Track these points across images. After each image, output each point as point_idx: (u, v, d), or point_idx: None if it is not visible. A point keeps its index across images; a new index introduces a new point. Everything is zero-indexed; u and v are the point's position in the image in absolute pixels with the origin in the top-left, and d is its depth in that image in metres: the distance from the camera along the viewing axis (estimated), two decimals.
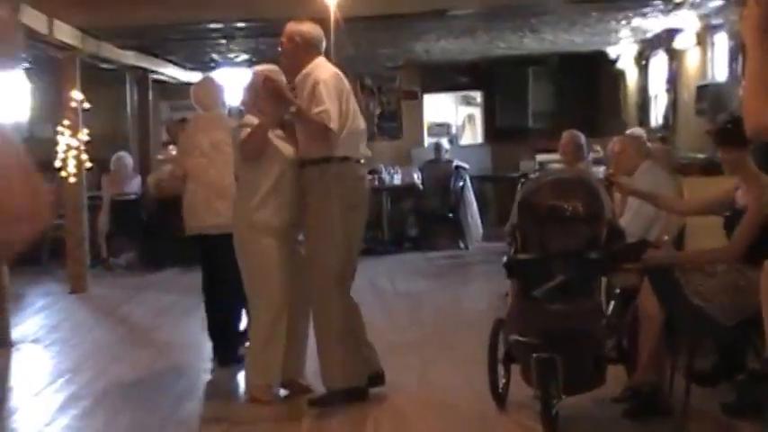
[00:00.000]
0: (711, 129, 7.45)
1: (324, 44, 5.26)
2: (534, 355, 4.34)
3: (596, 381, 4.58)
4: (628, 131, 9.14)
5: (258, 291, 5.19)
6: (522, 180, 9.21)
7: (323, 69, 5.10)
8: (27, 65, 9.91)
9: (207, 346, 6.61)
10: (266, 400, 5.20)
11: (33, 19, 7.97)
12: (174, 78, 12.71)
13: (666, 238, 5.72)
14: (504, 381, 4.91)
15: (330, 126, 4.90)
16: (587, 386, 4.57)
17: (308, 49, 5.15)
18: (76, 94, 9.37)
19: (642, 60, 12.31)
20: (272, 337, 5.15)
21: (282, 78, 5.21)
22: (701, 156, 8.60)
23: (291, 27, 5.23)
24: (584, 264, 4.53)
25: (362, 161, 5.21)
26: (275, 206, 5.13)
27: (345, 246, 5.11)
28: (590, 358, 4.53)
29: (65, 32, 8.79)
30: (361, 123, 5.21)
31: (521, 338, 4.53)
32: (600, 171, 7.83)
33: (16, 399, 5.77)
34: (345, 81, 5.16)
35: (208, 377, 6.07)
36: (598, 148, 9.64)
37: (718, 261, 4.60)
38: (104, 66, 10.48)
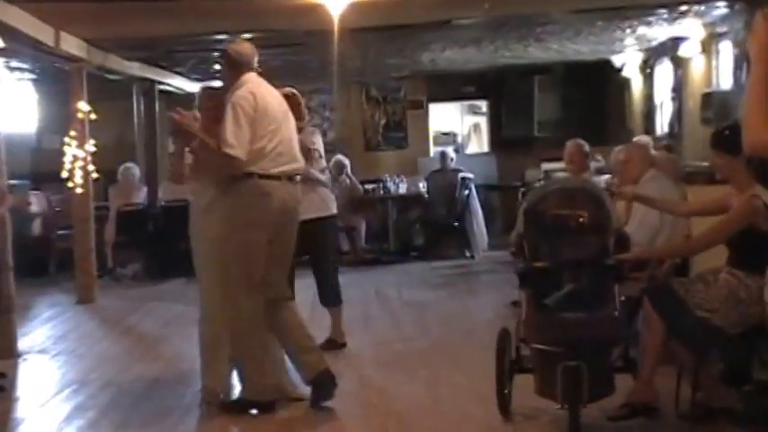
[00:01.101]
0: None
1: (254, 60, 5.33)
2: (561, 364, 4.31)
3: (608, 389, 4.56)
4: (634, 139, 9.15)
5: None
6: (523, 190, 9.26)
7: (244, 88, 5.20)
8: (34, 76, 9.98)
9: None
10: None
11: (40, 31, 8.02)
12: (180, 89, 12.76)
13: None
14: (506, 391, 4.90)
15: (227, 152, 5.04)
16: (602, 395, 4.54)
17: (234, 67, 5.29)
18: (83, 106, 9.42)
19: (647, 68, 12.34)
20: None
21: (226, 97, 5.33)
22: (706, 164, 8.59)
23: (224, 46, 5.49)
24: (594, 272, 4.53)
25: (285, 177, 5.24)
26: (213, 219, 5.29)
27: (237, 258, 5.19)
28: (608, 366, 4.54)
29: (71, 44, 8.85)
30: (274, 141, 5.22)
31: (543, 348, 4.48)
32: (602, 180, 7.84)
33: (22, 409, 5.79)
34: (268, 97, 5.24)
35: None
36: (600, 157, 9.58)
37: (680, 255, 5.25)
38: (111, 77, 10.54)
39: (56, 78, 9.95)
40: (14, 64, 10.66)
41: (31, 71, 11.34)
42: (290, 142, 5.35)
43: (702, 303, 4.50)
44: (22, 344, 7.37)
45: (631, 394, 4.64)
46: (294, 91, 6.13)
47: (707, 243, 4.82)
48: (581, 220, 4.60)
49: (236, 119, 5.07)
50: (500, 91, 14.57)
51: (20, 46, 8.35)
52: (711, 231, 4.69)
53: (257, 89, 5.23)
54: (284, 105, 5.38)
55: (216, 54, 10.69)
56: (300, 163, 5.43)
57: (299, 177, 5.41)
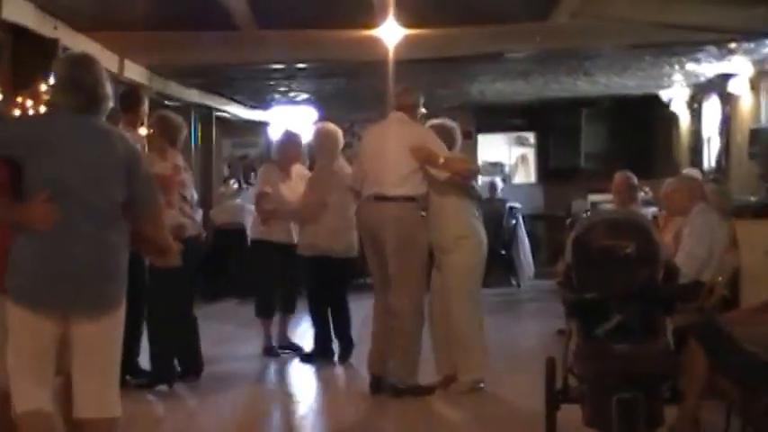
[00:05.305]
0: None
1: (403, 100, 6.39)
2: (616, 396, 4.29)
3: (659, 421, 4.50)
4: (683, 171, 9.21)
5: None
6: (570, 220, 9.31)
7: None
8: None
9: (267, 373, 7.07)
10: None
11: (105, 58, 8.33)
12: (236, 116, 13.08)
13: (720, 279, 5.78)
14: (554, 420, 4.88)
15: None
16: (654, 426, 4.48)
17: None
18: (143, 131, 9.71)
19: (695, 104, 12.37)
20: None
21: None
22: (753, 199, 8.65)
23: None
24: (643, 304, 4.52)
25: (371, 198, 6.22)
26: None
27: None
28: (660, 397, 4.50)
29: (134, 71, 9.17)
30: (365, 169, 6.31)
31: (595, 379, 4.50)
32: (650, 212, 7.90)
33: None
34: (369, 135, 6.57)
35: (268, 406, 6.27)
36: (647, 189, 9.66)
37: None
38: (171, 103, 10.85)
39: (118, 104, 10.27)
40: None
41: None
42: (379, 166, 6.13)
43: (751, 337, 4.48)
44: None
45: (675, 425, 4.63)
46: (438, 122, 6.63)
47: None
48: (628, 250, 4.56)
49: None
50: (547, 123, 14.71)
51: None
52: None
53: (369, 129, 6.60)
54: (387, 137, 6.25)
55: (272, 83, 11.00)
56: (382, 187, 6.11)
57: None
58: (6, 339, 3.82)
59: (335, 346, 7.47)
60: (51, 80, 3.90)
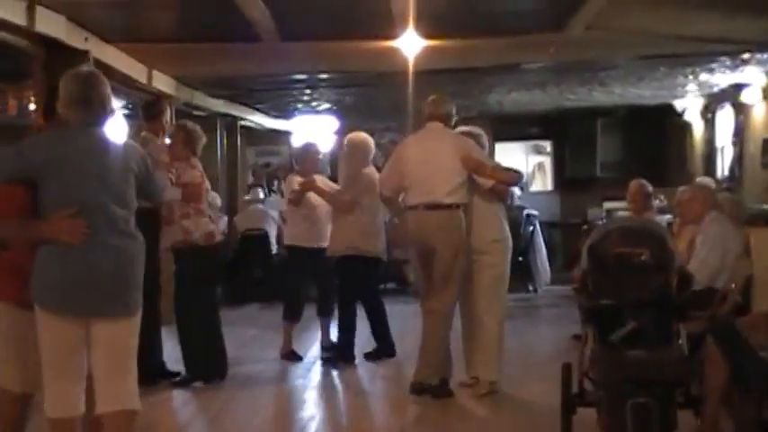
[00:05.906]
0: None
1: (437, 111, 6.47)
2: (630, 401, 4.36)
3: (673, 427, 4.56)
4: (697, 180, 9.31)
5: None
6: (585, 227, 9.43)
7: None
8: (127, 110, 10.51)
9: (289, 375, 7.18)
10: None
11: (135, 69, 8.55)
12: (260, 125, 13.29)
13: (734, 286, 5.81)
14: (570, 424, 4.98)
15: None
16: (667, 431, 4.53)
17: (423, 116, 6.63)
18: (167, 140, 9.90)
19: (708, 113, 12.47)
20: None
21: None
22: (766, 207, 8.76)
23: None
24: (657, 311, 4.59)
25: (421, 207, 6.25)
26: None
27: None
28: (674, 403, 4.56)
29: (162, 82, 9.36)
30: (410, 179, 6.33)
31: (610, 385, 4.55)
32: (664, 220, 8.02)
33: None
34: (409, 145, 6.53)
35: (290, 408, 6.42)
36: (662, 197, 9.79)
37: None
38: (197, 113, 11.03)
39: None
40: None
41: (124, 106, 11.91)
42: (428, 175, 6.19)
43: (761, 344, 4.57)
44: None
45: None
46: (466, 129, 6.80)
47: None
48: (643, 258, 4.64)
49: (387, 164, 6.60)
50: (564, 132, 14.86)
51: (114, 83, 8.87)
52: None
53: (408, 139, 6.56)
54: (432, 146, 6.28)
55: (294, 93, 11.20)
56: (434, 195, 6.18)
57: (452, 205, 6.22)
58: (10, 348, 3.96)
59: (372, 345, 7.70)
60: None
